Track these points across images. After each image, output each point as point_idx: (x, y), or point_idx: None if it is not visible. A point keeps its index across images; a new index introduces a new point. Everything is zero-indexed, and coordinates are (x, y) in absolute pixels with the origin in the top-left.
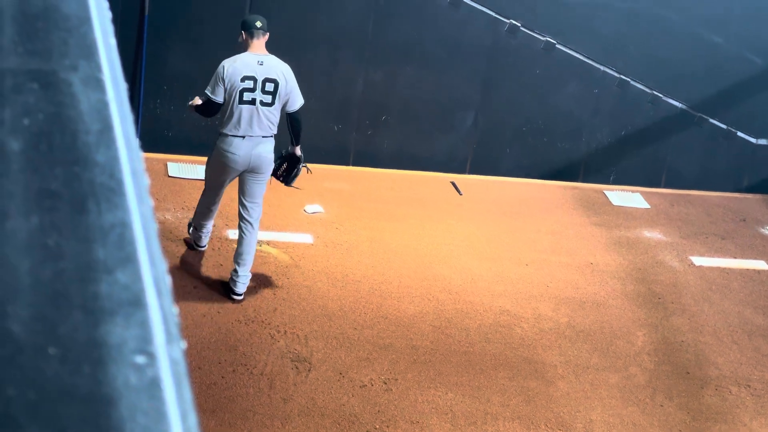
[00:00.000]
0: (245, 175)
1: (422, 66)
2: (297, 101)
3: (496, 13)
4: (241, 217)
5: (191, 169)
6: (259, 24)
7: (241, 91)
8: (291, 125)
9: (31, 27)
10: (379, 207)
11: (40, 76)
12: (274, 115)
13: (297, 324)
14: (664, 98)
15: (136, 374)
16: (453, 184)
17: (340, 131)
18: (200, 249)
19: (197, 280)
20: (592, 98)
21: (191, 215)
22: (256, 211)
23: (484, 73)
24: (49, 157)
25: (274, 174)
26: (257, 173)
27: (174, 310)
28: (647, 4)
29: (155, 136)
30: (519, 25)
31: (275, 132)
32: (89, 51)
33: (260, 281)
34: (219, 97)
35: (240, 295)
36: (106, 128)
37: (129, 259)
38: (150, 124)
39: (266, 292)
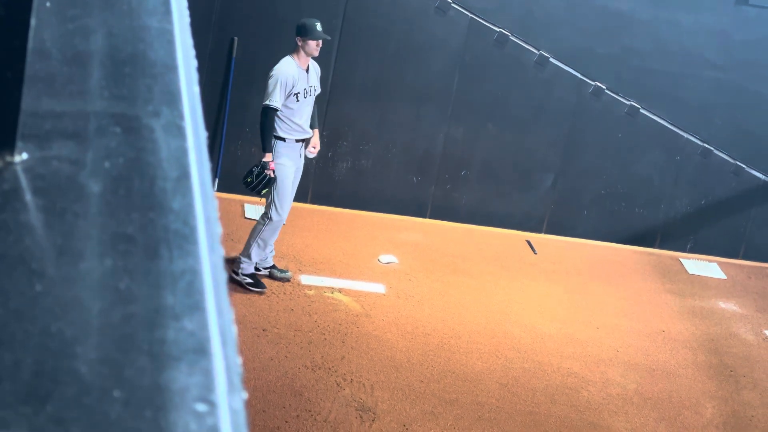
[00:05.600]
0: None
1: (504, 124)
2: (265, 95)
3: (582, 74)
4: None
5: None
6: (297, 26)
7: None
8: None
9: (118, 72)
10: (453, 261)
11: (123, 121)
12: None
13: (364, 373)
14: (747, 169)
15: (196, 421)
16: (528, 243)
17: (420, 184)
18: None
19: (267, 323)
20: (673, 165)
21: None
22: None
23: (566, 135)
24: (127, 201)
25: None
26: None
27: (238, 360)
28: (735, 76)
29: (234, 178)
30: (604, 87)
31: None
32: (173, 98)
33: (330, 328)
34: None
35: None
36: (184, 175)
37: (197, 306)
38: (230, 166)
39: (335, 340)
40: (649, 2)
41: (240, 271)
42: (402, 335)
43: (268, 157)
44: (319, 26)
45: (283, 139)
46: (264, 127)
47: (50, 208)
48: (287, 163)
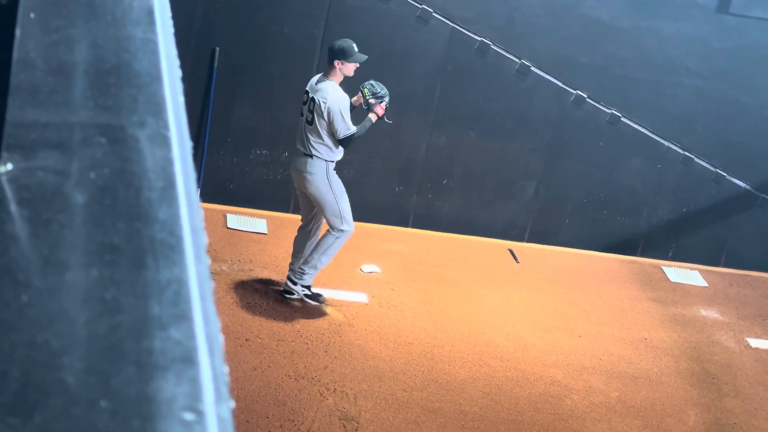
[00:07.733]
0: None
1: (487, 133)
2: (338, 130)
3: (563, 83)
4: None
5: (250, 221)
6: (333, 49)
7: (302, 105)
8: None
9: (103, 82)
10: (435, 270)
11: (108, 131)
12: (314, 134)
13: (347, 383)
14: (728, 177)
15: (184, 430)
16: (511, 251)
17: (402, 193)
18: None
19: (249, 333)
20: (654, 173)
21: (249, 267)
22: (312, 224)
23: (548, 143)
24: (112, 211)
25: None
26: (302, 190)
27: (224, 368)
28: (716, 84)
29: (216, 188)
30: (585, 96)
31: (316, 153)
32: (157, 108)
33: (313, 338)
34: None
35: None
36: (169, 186)
37: (183, 316)
38: (212, 175)
39: (318, 349)
40: (630, 11)
41: (301, 282)
42: (385, 344)
43: (373, 117)
44: (356, 47)
45: (333, 161)
46: (357, 140)
47: (35, 219)
48: (339, 178)
